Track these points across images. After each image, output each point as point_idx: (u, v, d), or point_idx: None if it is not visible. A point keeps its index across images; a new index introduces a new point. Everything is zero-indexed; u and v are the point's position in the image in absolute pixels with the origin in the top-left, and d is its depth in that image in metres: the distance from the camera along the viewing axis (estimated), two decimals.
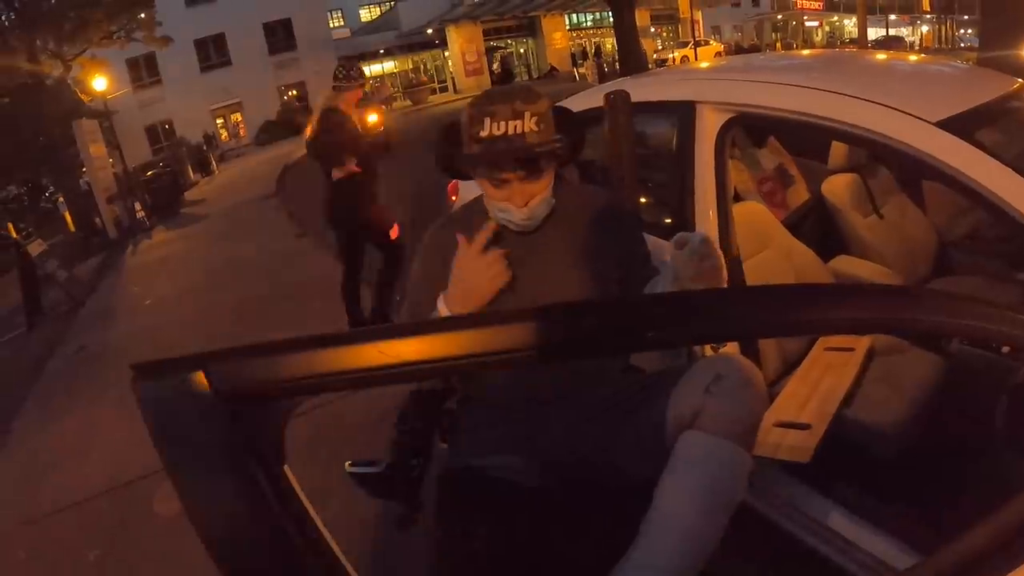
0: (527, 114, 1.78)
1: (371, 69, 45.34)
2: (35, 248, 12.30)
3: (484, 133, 1.78)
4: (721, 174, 2.51)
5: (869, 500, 2.18)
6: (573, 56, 44.00)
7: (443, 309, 1.86)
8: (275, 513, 0.73)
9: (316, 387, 0.75)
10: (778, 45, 53.37)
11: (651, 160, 2.95)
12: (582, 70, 39.22)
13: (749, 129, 3.76)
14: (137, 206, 20.07)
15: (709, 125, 2.56)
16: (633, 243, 2.07)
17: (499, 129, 1.77)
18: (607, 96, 2.52)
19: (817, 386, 2.48)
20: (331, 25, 47.01)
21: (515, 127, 1.77)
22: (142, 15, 27.35)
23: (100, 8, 24.70)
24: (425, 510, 1.96)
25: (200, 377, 0.70)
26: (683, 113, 2.53)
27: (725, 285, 1.78)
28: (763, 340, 2.53)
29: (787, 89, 2.35)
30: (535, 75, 45.66)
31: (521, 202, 1.84)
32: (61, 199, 28.97)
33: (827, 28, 63.39)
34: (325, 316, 7.15)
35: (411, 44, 45.53)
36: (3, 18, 23.33)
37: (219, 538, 0.74)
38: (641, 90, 2.64)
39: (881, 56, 3.31)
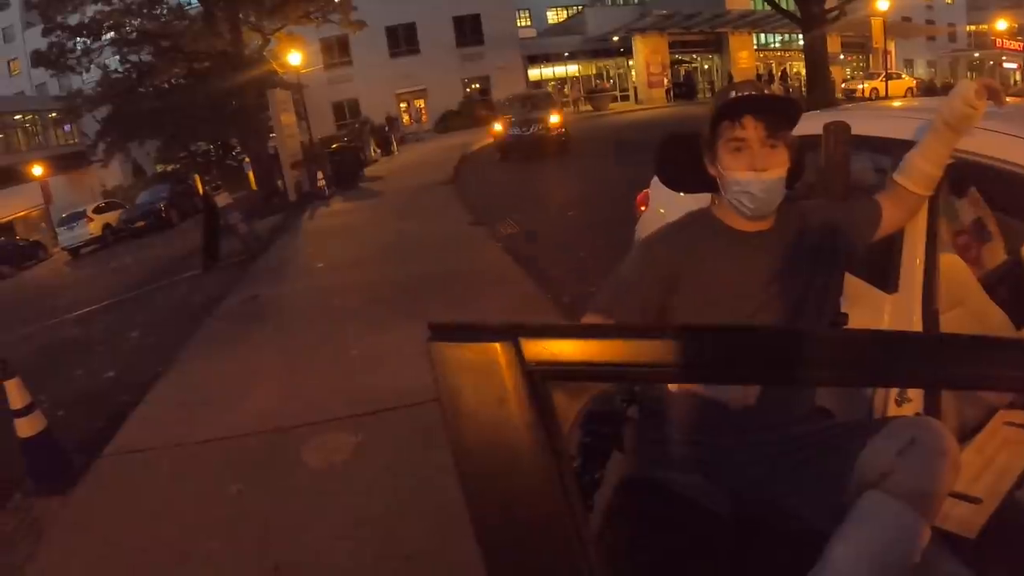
0: (766, 91, 1.96)
1: (555, 71, 45.76)
2: (221, 200, 13.12)
3: (732, 95, 1.89)
4: (933, 222, 2.43)
5: None
6: (759, 77, 42.77)
7: None
8: (557, 494, 0.71)
9: (628, 374, 0.80)
10: None
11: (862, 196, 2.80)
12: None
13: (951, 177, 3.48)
14: (319, 175, 21.06)
15: None
16: (849, 228, 2.10)
17: (745, 91, 1.90)
18: (826, 126, 2.45)
19: (992, 460, 2.38)
20: (518, 24, 47.86)
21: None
22: None
23: None
24: (595, 513, 1.95)
25: (508, 347, 0.69)
26: (901, 152, 2.31)
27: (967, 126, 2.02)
28: (945, 404, 2.41)
29: (1015, 140, 2.18)
30: None
31: (760, 165, 1.87)
32: (247, 160, 30.72)
33: None
34: (490, 303, 7.21)
35: (596, 50, 45.50)
36: None
37: (489, 504, 0.73)
38: (856, 122, 2.53)
39: None
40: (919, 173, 2.09)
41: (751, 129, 1.87)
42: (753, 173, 1.87)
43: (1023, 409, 2.52)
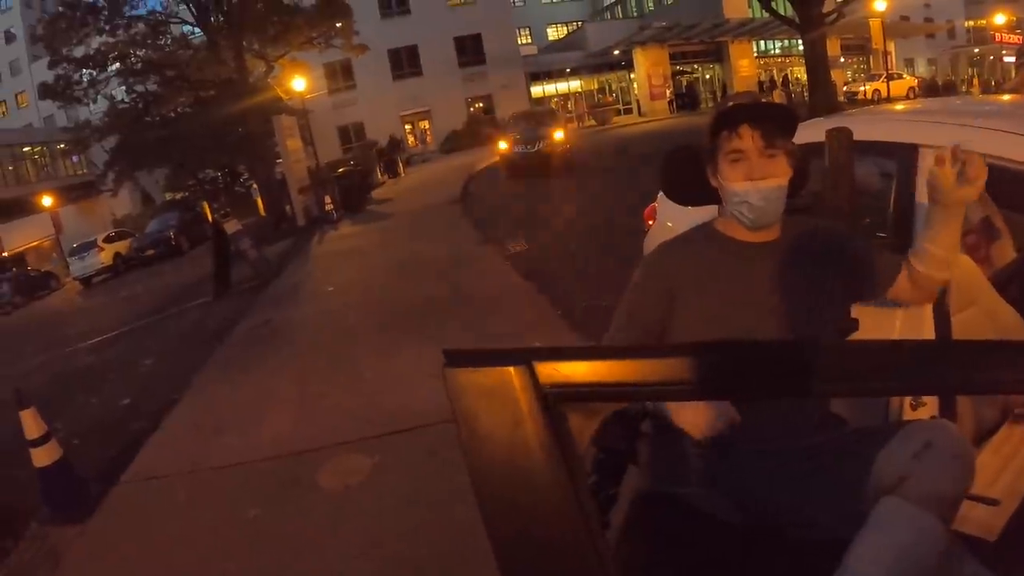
0: (763, 100, 1.99)
1: (557, 87, 45.86)
2: (230, 226, 13.15)
3: (729, 105, 1.93)
4: None
5: None
6: (760, 84, 42.85)
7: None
8: (574, 516, 0.73)
9: (641, 394, 0.84)
10: (975, 81, 50.05)
11: (868, 201, 2.88)
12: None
13: None
14: (327, 199, 21.15)
15: None
16: (862, 265, 2.06)
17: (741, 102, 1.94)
18: (828, 133, 2.46)
19: (1010, 461, 2.32)
20: (519, 42, 47.95)
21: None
22: (340, 24, 29.02)
23: (302, 16, 26.55)
24: (612, 530, 1.93)
25: (522, 371, 0.71)
26: (904, 156, 2.42)
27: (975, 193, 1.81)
28: (960, 406, 2.40)
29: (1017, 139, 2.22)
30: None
31: (758, 174, 1.88)
32: (255, 186, 30.93)
33: None
34: (502, 322, 7.19)
35: (597, 64, 45.57)
36: (213, 20, 25.28)
37: (508, 525, 0.74)
38: (860, 128, 2.53)
39: None
40: (924, 253, 1.99)
41: (748, 139, 1.89)
42: (751, 183, 1.89)
43: None
